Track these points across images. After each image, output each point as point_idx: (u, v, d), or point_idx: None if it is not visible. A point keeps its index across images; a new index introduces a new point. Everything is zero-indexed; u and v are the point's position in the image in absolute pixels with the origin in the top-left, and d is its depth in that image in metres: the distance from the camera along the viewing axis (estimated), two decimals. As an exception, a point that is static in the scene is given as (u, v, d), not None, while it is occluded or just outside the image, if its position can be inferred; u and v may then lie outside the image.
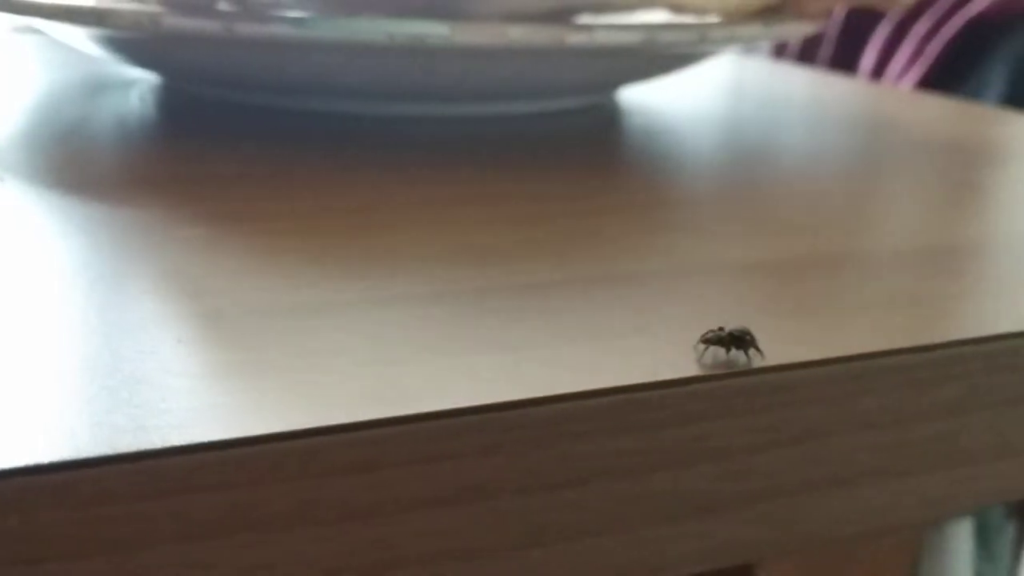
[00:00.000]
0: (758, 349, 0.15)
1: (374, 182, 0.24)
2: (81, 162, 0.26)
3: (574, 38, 0.26)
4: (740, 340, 0.15)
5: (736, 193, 0.26)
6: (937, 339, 0.16)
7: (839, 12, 0.75)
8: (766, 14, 0.32)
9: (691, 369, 0.15)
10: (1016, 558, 0.80)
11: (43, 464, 0.11)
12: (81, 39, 0.32)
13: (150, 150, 0.28)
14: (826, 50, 0.80)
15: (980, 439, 0.17)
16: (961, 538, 0.72)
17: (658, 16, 0.29)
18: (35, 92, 0.35)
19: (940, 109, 0.41)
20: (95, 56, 0.35)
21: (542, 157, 0.28)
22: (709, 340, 0.15)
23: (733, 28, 0.28)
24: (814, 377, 0.15)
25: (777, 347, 0.15)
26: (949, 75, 0.68)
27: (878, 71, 0.75)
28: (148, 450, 0.12)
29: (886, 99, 0.44)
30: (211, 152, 0.27)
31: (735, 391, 0.15)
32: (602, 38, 0.27)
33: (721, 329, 0.15)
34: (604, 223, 0.22)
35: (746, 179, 0.27)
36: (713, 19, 0.28)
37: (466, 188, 0.25)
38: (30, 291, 0.17)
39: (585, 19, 0.32)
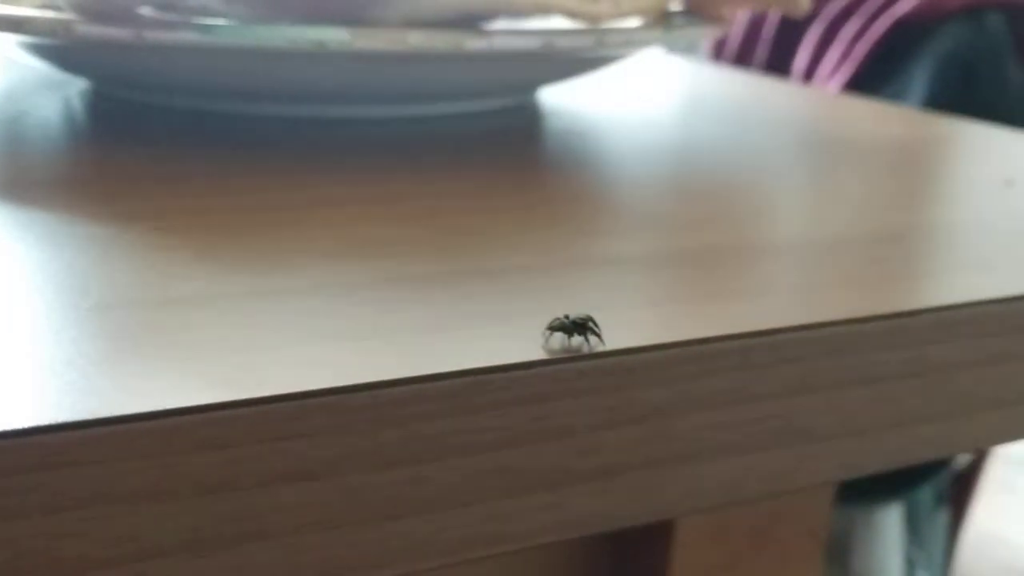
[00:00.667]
0: (599, 335, 0.16)
1: (281, 183, 0.25)
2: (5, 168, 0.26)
3: (473, 43, 0.27)
4: (582, 327, 0.16)
5: (634, 191, 0.27)
6: (775, 325, 0.18)
7: (741, 16, 0.77)
8: (671, 16, 0.33)
9: (538, 354, 0.16)
10: (949, 544, 0.83)
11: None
12: (9, 45, 0.33)
13: (70, 153, 0.29)
14: (762, 51, 0.82)
15: (819, 418, 0.18)
16: (890, 524, 0.75)
17: (558, 22, 0.31)
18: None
19: (848, 109, 0.43)
20: (25, 62, 0.36)
21: (451, 157, 0.29)
22: (553, 327, 0.16)
23: (630, 33, 0.30)
24: (654, 360, 0.16)
25: (623, 333, 0.17)
26: (875, 75, 0.69)
27: (810, 71, 0.77)
28: (17, 429, 0.13)
29: (801, 99, 0.45)
30: (127, 154, 0.28)
31: (577, 373, 0.16)
32: (500, 43, 0.28)
33: (566, 317, 0.16)
34: (492, 220, 0.23)
35: (647, 177, 0.29)
36: (611, 23, 0.29)
37: (369, 188, 0.26)
38: (-76, 288, 0.18)
39: (495, 24, 0.33)
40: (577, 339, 0.16)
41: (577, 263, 0.20)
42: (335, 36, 0.26)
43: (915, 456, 0.20)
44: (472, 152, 0.30)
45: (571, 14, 0.28)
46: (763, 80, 0.49)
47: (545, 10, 0.28)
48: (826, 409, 0.18)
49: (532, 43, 0.28)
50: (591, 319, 0.16)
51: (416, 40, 0.27)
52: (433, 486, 0.15)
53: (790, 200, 0.28)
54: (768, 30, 0.81)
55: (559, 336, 0.16)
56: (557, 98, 0.38)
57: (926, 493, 0.77)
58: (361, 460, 0.15)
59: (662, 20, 0.32)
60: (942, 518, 0.81)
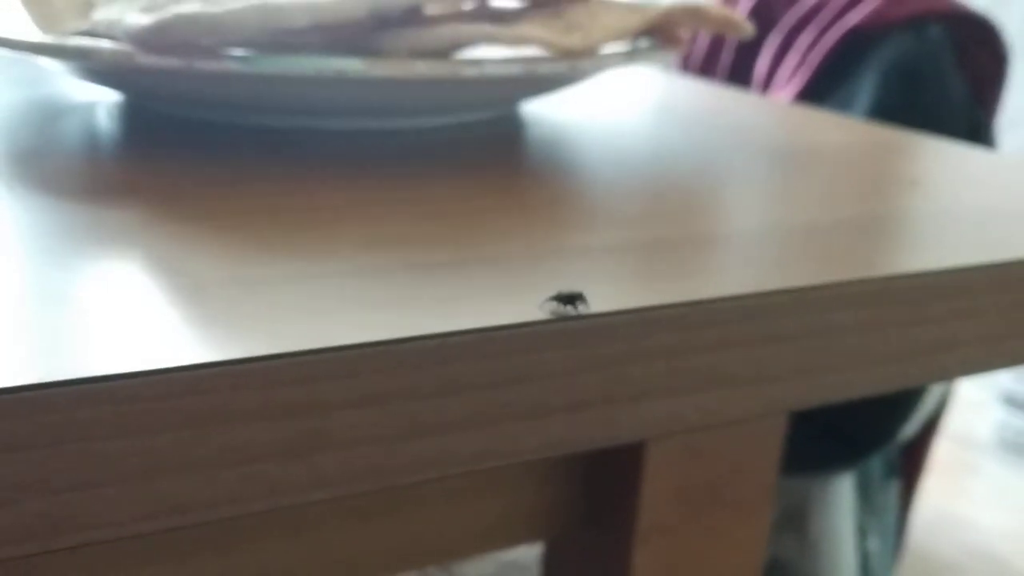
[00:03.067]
0: (586, 303, 0.22)
1: (315, 187, 0.31)
2: (71, 174, 0.32)
3: (468, 71, 0.33)
4: (573, 298, 0.22)
5: (604, 191, 0.33)
6: (704, 296, 0.23)
7: (702, 38, 0.83)
8: (636, 41, 0.39)
9: (532, 316, 0.22)
10: (900, 512, 0.89)
11: None
12: (49, 61, 0.38)
13: (128, 164, 0.34)
14: (726, 57, 0.87)
15: (739, 367, 0.24)
16: (843, 494, 0.81)
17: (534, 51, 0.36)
18: (9, 109, 0.41)
19: (795, 117, 0.49)
20: (55, 71, 0.41)
21: (450, 163, 0.35)
22: (552, 298, 0.22)
23: (599, 59, 0.35)
24: (614, 323, 0.22)
25: (593, 303, 0.22)
26: (829, 81, 0.75)
27: (770, 76, 0.83)
28: (183, 366, 0.18)
29: (754, 109, 0.51)
30: (175, 163, 0.33)
31: (558, 332, 0.22)
32: (490, 70, 0.33)
33: (560, 293, 0.22)
34: (488, 218, 0.29)
35: (614, 179, 0.34)
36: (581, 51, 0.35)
37: (387, 192, 0.31)
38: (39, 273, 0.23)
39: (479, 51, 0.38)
40: (568, 307, 0.22)
41: (557, 252, 0.26)
42: (353, 66, 0.32)
43: (799, 402, 0.26)
44: (467, 158, 0.36)
45: (547, 46, 0.34)
46: (723, 91, 0.55)
47: (524, 42, 0.34)
48: (745, 360, 0.24)
49: (516, 70, 0.34)
50: (581, 294, 0.22)
51: (422, 69, 0.32)
52: (454, 413, 0.21)
53: (735, 197, 0.34)
54: (731, 39, 0.86)
55: (554, 304, 0.22)
56: (537, 108, 0.43)
57: (876, 464, 0.84)
58: (402, 394, 0.20)
59: (628, 44, 0.38)
60: (893, 488, 0.87)
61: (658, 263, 0.26)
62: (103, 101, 0.42)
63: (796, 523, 0.78)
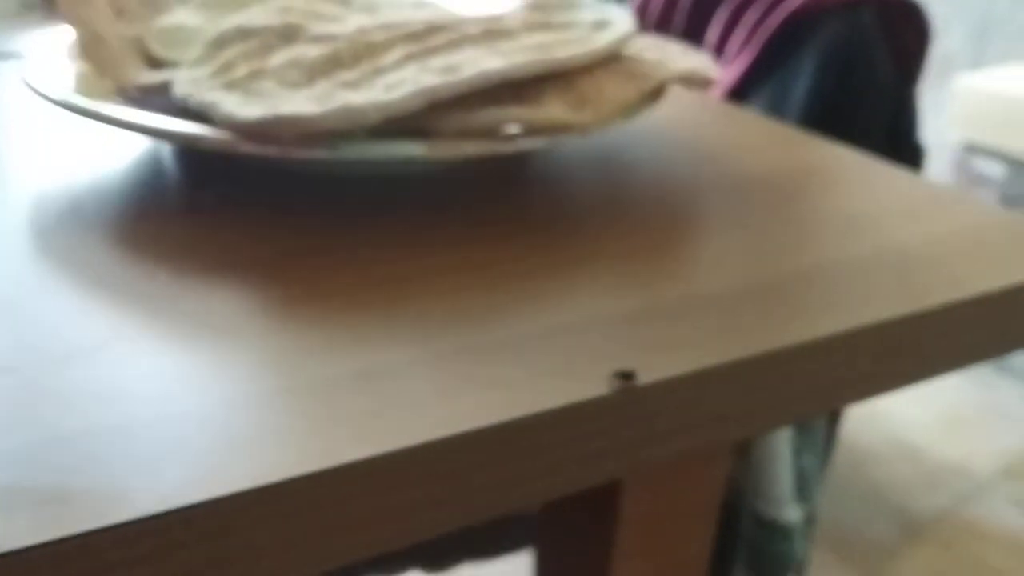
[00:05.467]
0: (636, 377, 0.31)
1: (391, 253, 0.39)
2: (174, 242, 0.40)
3: (506, 148, 0.41)
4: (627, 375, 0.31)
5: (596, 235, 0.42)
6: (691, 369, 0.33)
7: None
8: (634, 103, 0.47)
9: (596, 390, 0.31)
10: (830, 431, 1.02)
11: None
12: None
13: (213, 225, 0.42)
14: (680, 19, 0.95)
15: (693, 419, 0.34)
16: (781, 435, 0.93)
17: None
18: (69, 164, 0.48)
19: (721, 116, 0.58)
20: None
21: (478, 206, 0.44)
22: (615, 375, 0.31)
23: (600, 125, 0.44)
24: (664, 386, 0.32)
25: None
26: (773, 60, 0.84)
27: (720, 46, 0.91)
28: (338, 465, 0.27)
29: (689, 110, 0.60)
30: (260, 223, 0.41)
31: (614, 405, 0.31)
32: (523, 145, 0.42)
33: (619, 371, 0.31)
34: (536, 283, 0.38)
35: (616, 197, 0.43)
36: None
37: (452, 256, 0.40)
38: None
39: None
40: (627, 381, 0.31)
41: (604, 322, 0.35)
42: (418, 151, 0.40)
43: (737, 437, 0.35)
44: (487, 200, 0.44)
45: (567, 126, 0.42)
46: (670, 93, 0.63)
47: (549, 125, 0.42)
48: (697, 415, 0.34)
49: (543, 144, 0.42)
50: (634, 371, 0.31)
51: (470, 149, 0.41)
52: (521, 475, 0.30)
53: (712, 256, 0.43)
54: (685, 1, 0.94)
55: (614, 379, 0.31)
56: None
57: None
58: (489, 459, 0.30)
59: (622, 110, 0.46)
60: (822, 426, 0.99)
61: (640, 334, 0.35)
62: (161, 151, 0.49)
63: (740, 447, 0.90)
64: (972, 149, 2.37)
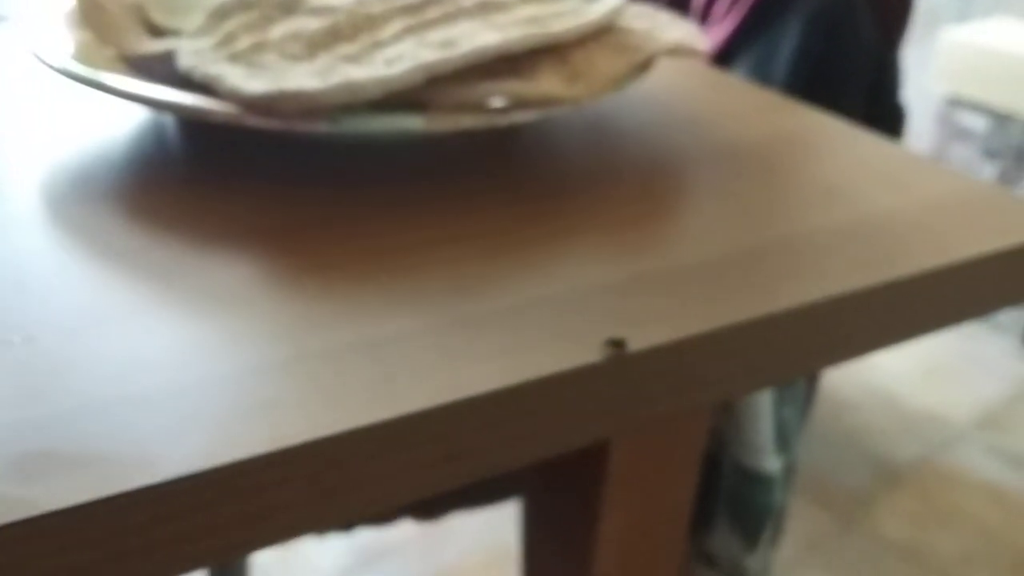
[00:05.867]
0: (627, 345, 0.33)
1: (391, 226, 0.41)
2: (181, 210, 0.41)
3: (502, 120, 0.43)
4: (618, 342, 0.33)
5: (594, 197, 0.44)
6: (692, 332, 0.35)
7: None
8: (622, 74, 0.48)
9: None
10: (808, 400, 1.05)
11: None
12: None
13: (218, 193, 0.43)
14: (668, -21, 0.96)
15: (679, 383, 0.36)
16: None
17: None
18: (79, 135, 0.49)
19: (707, 80, 0.59)
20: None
21: (477, 171, 0.45)
22: (606, 343, 0.33)
23: (592, 99, 0.45)
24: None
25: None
26: (758, 24, 0.85)
27: (707, 8, 0.92)
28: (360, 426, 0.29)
29: (677, 75, 0.61)
30: (245, 188, 0.43)
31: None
32: (518, 118, 0.43)
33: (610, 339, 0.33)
34: (526, 254, 0.39)
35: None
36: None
37: (451, 226, 0.41)
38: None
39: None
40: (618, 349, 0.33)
41: (595, 291, 0.37)
42: (417, 124, 0.42)
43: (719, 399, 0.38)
44: (472, 165, 0.46)
45: (560, 100, 0.44)
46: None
47: (542, 99, 0.44)
48: (683, 378, 0.36)
49: (535, 116, 0.44)
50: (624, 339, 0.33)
51: (467, 122, 0.42)
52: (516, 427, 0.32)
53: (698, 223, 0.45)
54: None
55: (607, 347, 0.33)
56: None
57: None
58: (483, 415, 0.32)
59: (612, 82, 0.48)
60: (801, 382, 1.02)
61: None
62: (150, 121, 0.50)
63: (723, 402, 0.92)
64: (956, 103, 2.39)
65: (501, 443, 0.32)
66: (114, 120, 0.50)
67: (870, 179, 0.49)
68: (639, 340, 0.34)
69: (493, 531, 1.55)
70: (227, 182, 0.44)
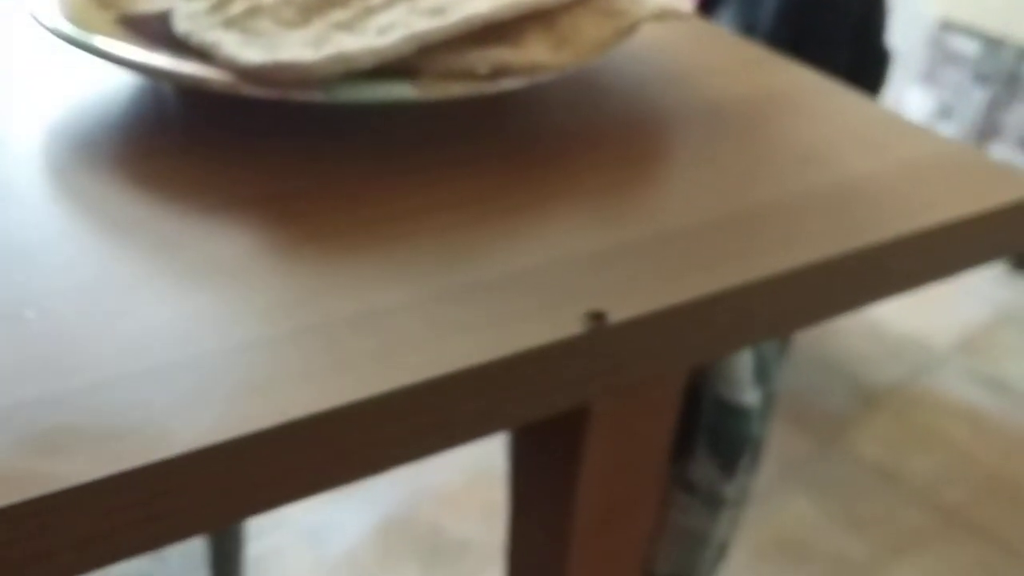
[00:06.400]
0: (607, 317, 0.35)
1: (385, 194, 0.43)
2: (180, 175, 0.43)
3: (489, 88, 0.44)
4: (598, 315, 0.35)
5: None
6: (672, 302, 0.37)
7: None
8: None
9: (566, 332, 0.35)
10: (782, 355, 1.07)
11: None
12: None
13: (200, 156, 0.45)
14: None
15: (658, 348, 0.38)
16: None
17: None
18: (72, 99, 0.50)
19: (695, 32, 0.60)
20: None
21: (460, 135, 0.47)
22: (587, 314, 0.35)
23: (578, 65, 0.47)
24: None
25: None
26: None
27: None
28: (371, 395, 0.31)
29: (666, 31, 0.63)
30: (243, 152, 0.44)
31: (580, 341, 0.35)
32: (506, 85, 0.45)
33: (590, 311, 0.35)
34: (516, 224, 0.41)
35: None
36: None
37: (439, 193, 0.43)
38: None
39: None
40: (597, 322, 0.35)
41: (578, 261, 0.39)
42: (408, 93, 0.43)
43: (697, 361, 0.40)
44: (467, 134, 0.48)
45: (547, 67, 0.45)
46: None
47: (530, 66, 0.45)
48: (661, 344, 0.38)
49: (522, 83, 0.45)
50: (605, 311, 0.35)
51: (457, 90, 0.44)
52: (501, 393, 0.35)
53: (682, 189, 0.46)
54: None
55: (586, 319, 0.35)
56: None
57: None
58: (471, 386, 0.34)
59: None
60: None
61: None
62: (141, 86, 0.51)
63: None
64: (948, 27, 2.37)
65: (488, 410, 0.35)
66: (111, 83, 0.52)
67: (849, 141, 0.51)
68: (619, 311, 0.36)
69: (478, 453, 1.59)
70: (224, 148, 0.45)
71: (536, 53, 0.45)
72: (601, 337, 0.36)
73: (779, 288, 0.40)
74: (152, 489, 0.29)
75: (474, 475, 1.53)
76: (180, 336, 0.34)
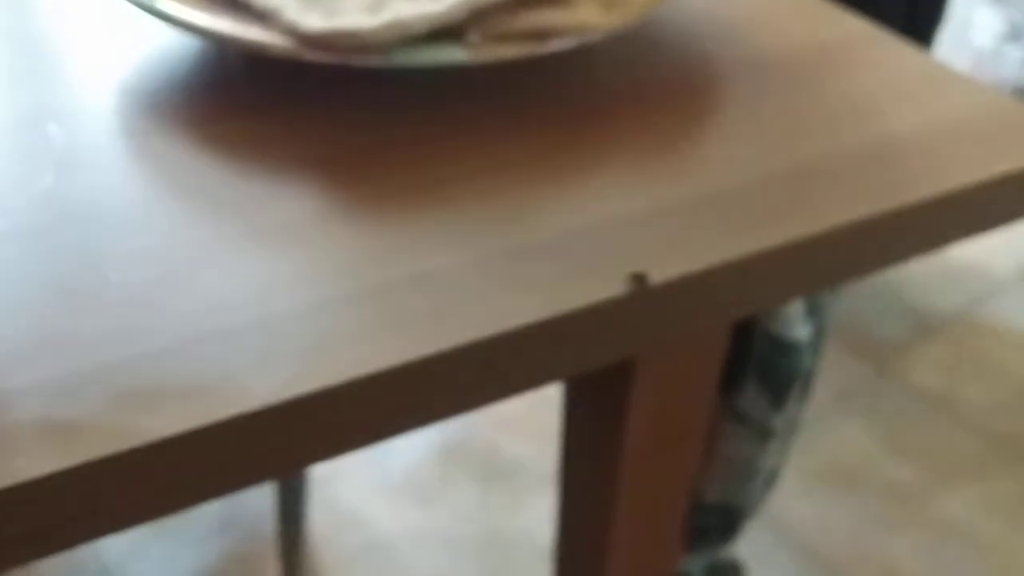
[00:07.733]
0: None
1: (439, 156, 0.45)
2: (248, 138, 0.45)
3: (540, 50, 0.46)
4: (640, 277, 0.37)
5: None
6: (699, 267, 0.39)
7: None
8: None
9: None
10: (834, 290, 1.08)
11: None
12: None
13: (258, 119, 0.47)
14: None
15: (703, 305, 0.40)
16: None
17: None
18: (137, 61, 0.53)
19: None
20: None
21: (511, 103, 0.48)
22: (630, 275, 0.37)
23: (628, 25, 0.48)
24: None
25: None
26: None
27: None
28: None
29: None
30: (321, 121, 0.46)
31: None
32: (556, 46, 0.46)
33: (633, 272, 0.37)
34: (560, 185, 0.43)
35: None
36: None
37: (495, 155, 0.45)
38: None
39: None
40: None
41: (621, 223, 0.41)
42: (462, 56, 0.45)
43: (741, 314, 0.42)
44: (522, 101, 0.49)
45: (597, 28, 0.46)
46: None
47: (580, 28, 0.46)
48: (708, 300, 0.40)
49: (572, 44, 0.47)
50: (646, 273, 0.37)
51: (508, 52, 0.45)
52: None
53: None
54: None
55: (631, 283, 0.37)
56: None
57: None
58: (525, 348, 0.36)
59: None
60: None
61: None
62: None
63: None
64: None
65: (537, 365, 0.37)
66: (178, 46, 0.54)
67: (898, 95, 0.52)
68: (661, 272, 0.38)
69: (538, 381, 1.62)
70: (285, 110, 0.48)
71: (586, 14, 0.46)
72: (643, 298, 0.38)
73: (819, 246, 0.42)
74: (232, 440, 0.32)
75: (531, 399, 1.57)
76: (251, 298, 0.36)
